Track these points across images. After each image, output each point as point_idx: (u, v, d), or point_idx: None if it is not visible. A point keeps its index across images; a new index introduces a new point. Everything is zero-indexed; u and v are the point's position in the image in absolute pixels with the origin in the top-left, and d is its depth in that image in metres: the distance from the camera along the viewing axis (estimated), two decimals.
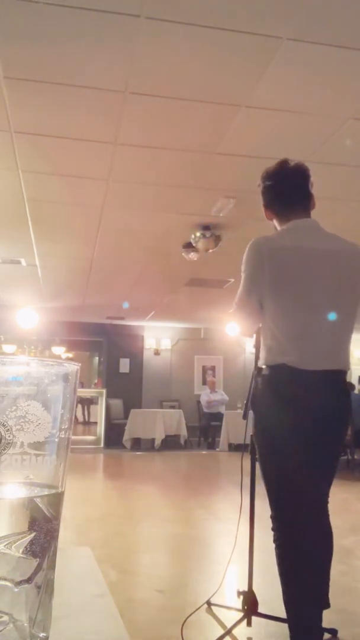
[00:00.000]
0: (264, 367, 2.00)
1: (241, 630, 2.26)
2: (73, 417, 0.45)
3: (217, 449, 10.17)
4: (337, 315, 1.92)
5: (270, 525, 1.94)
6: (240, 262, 2.03)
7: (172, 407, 11.24)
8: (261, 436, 1.97)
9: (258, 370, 2.04)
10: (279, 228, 2.09)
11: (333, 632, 2.22)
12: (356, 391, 9.55)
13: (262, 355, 2.02)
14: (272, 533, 1.93)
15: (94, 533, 4.09)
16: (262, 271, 1.94)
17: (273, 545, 1.91)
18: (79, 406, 16.27)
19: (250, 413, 2.16)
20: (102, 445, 10.47)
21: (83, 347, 13.87)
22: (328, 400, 1.90)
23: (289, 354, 1.90)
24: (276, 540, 1.90)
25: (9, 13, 2.31)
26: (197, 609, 2.39)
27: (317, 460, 1.92)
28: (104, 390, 10.99)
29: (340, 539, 3.78)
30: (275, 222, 2.11)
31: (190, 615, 2.31)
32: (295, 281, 1.94)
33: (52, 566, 0.42)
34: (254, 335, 2.15)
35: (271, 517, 1.92)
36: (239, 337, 10.45)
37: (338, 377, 1.94)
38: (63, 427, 0.42)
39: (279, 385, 1.93)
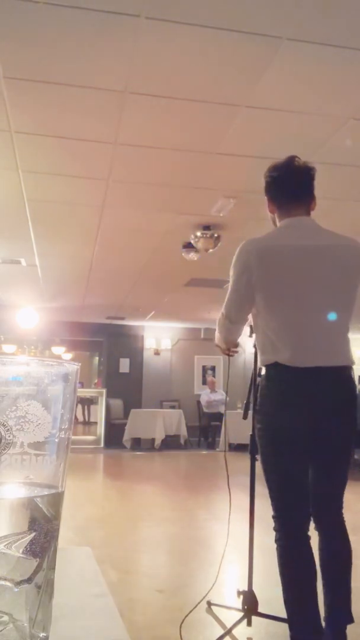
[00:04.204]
0: (262, 368, 2.01)
1: (241, 630, 2.26)
2: (73, 417, 0.45)
3: (217, 449, 10.17)
4: (331, 310, 1.91)
5: (272, 525, 1.93)
6: None
7: (172, 407, 11.24)
8: (261, 436, 1.97)
9: (259, 371, 2.05)
10: (277, 224, 2.10)
11: None
12: (357, 391, 9.56)
13: (258, 356, 2.03)
14: (272, 533, 1.92)
15: (94, 533, 4.09)
16: (250, 275, 1.94)
17: (274, 545, 1.91)
18: (79, 406, 16.27)
19: (249, 413, 2.16)
20: (102, 445, 10.47)
21: (83, 347, 13.87)
22: (326, 397, 1.88)
23: (280, 351, 1.90)
24: (278, 540, 1.90)
25: (9, 13, 2.30)
26: (192, 609, 2.39)
27: (320, 459, 1.91)
28: (104, 390, 10.99)
29: None
30: (275, 217, 2.11)
31: (187, 615, 2.31)
32: (285, 279, 1.94)
33: (52, 566, 0.42)
34: (254, 335, 2.15)
35: (273, 517, 1.92)
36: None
37: (337, 373, 1.90)
38: (63, 427, 0.42)
39: (274, 384, 1.93)
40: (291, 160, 2.05)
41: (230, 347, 2.26)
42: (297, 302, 1.92)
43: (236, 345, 2.25)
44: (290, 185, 2.06)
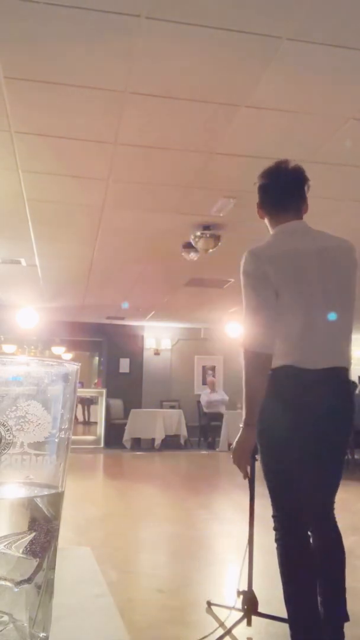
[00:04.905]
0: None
1: (241, 630, 2.26)
2: (73, 417, 0.45)
3: (217, 449, 10.17)
4: (335, 312, 1.92)
5: (272, 524, 1.93)
6: (239, 263, 2.02)
7: (172, 407, 11.24)
8: (263, 437, 1.97)
9: None
10: (270, 229, 2.09)
11: None
12: (357, 391, 9.58)
13: None
14: (272, 533, 1.93)
15: (94, 533, 4.09)
16: (266, 277, 1.92)
17: (274, 545, 1.91)
18: (79, 406, 16.27)
19: None
20: (102, 445, 10.47)
21: (83, 347, 13.86)
22: (330, 399, 1.89)
23: (291, 355, 1.90)
24: (278, 539, 1.90)
25: (9, 13, 2.31)
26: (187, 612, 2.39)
27: (320, 460, 1.92)
28: (104, 390, 10.99)
29: None
30: (266, 222, 2.11)
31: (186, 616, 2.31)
32: (292, 284, 1.93)
33: (52, 566, 0.42)
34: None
35: (273, 516, 1.92)
36: (239, 337, 10.43)
37: (338, 373, 1.92)
38: (63, 427, 0.42)
39: (282, 386, 1.92)
40: (278, 166, 2.02)
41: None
42: (304, 305, 1.92)
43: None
44: (278, 192, 2.04)
